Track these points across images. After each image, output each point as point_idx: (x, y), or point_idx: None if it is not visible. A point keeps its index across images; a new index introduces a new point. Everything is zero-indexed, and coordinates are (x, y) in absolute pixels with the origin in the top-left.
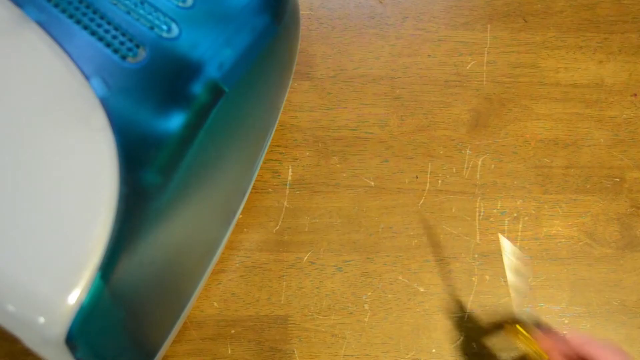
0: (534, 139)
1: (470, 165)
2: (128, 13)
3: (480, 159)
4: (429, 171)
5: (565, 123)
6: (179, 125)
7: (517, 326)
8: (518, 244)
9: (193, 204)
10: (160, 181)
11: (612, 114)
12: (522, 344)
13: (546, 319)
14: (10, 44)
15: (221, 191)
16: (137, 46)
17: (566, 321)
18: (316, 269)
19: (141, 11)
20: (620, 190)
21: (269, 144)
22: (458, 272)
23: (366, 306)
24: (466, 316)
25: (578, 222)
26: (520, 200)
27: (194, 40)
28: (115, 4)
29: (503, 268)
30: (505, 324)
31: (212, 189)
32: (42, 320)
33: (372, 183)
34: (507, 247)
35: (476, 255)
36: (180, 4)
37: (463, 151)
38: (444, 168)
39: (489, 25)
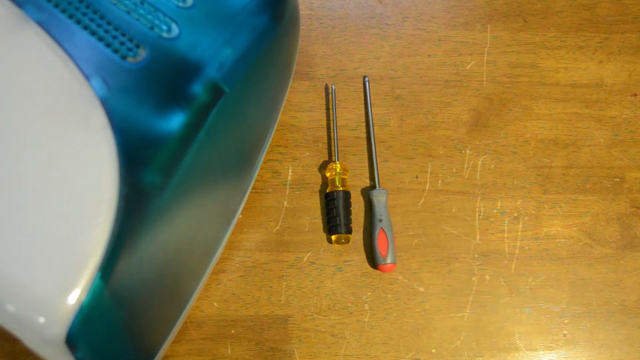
0: (534, 139)
1: (470, 165)
2: (128, 13)
3: (480, 159)
4: (429, 171)
5: (565, 123)
6: (179, 125)
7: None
8: (518, 244)
9: (193, 204)
10: (160, 181)
11: (612, 114)
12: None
13: (546, 318)
14: (10, 44)
15: (221, 191)
16: (137, 46)
17: (566, 321)
18: (316, 269)
19: (141, 11)
20: (620, 190)
21: (269, 144)
22: (458, 272)
23: (366, 306)
24: (466, 316)
25: (578, 222)
26: (520, 200)
27: (194, 40)
28: (115, 4)
29: (503, 268)
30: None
31: (212, 189)
32: (42, 320)
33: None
34: None
35: (476, 255)
36: (180, 4)
37: (463, 151)
38: (444, 168)
39: (489, 25)
